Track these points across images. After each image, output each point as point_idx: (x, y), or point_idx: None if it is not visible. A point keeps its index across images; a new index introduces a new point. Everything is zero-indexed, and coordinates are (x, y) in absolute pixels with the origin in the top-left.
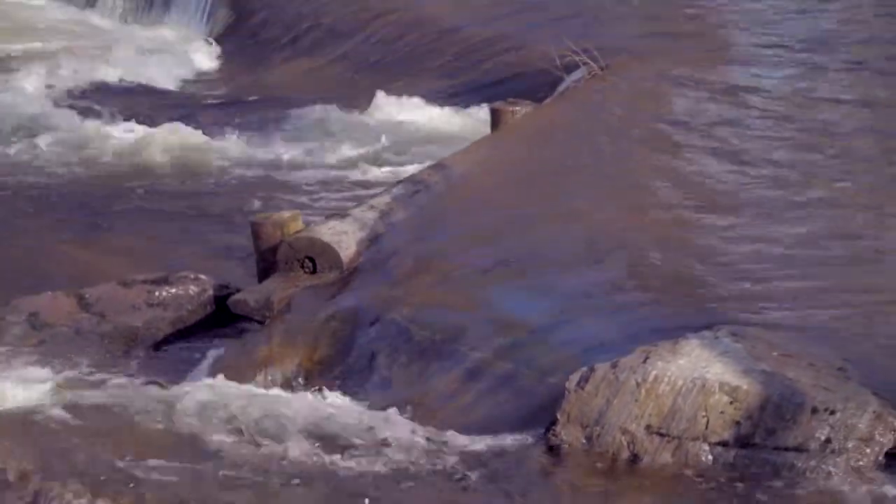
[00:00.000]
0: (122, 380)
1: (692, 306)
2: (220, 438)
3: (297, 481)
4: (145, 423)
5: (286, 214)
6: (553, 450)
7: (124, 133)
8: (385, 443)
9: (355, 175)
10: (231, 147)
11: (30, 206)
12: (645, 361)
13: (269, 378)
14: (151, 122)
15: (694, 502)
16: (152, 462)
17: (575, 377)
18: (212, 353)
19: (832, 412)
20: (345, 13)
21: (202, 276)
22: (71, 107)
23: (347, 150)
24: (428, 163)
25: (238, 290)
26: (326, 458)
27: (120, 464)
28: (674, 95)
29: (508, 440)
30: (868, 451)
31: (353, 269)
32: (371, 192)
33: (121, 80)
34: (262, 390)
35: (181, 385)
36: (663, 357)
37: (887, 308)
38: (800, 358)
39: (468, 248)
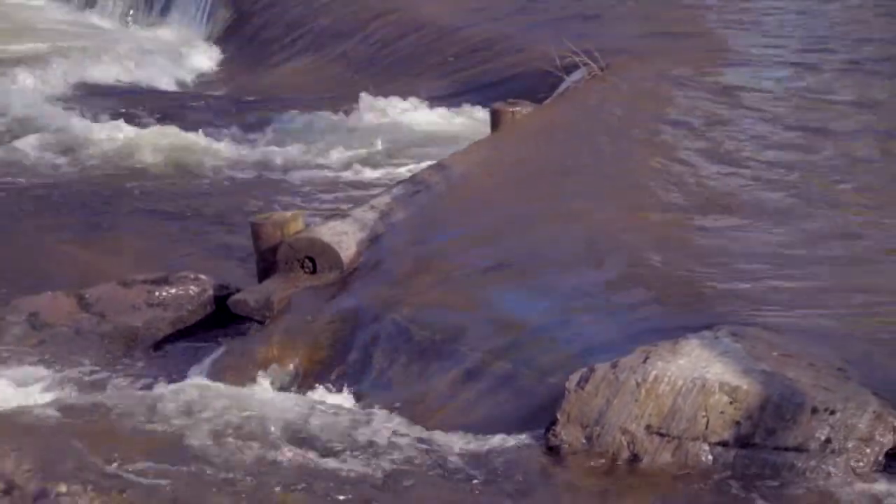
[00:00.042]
0: (122, 380)
1: (692, 306)
2: (219, 439)
3: (297, 481)
4: (145, 424)
5: (286, 214)
6: (553, 450)
7: (124, 133)
8: (384, 442)
9: (355, 175)
10: (231, 147)
11: (30, 206)
12: (645, 361)
13: (270, 378)
14: (151, 122)
15: (694, 502)
16: (152, 462)
17: (575, 377)
18: (212, 354)
19: (832, 412)
20: (344, 13)
21: (202, 276)
22: (71, 107)
23: (348, 151)
24: (428, 163)
25: (238, 290)
26: (326, 458)
27: (119, 464)
28: (674, 96)
29: (508, 440)
30: (868, 451)
31: (353, 270)
32: (371, 192)
33: (120, 81)
34: (260, 391)
35: (181, 385)
36: (663, 357)
37: (887, 308)
38: (800, 358)
39: (468, 249)
